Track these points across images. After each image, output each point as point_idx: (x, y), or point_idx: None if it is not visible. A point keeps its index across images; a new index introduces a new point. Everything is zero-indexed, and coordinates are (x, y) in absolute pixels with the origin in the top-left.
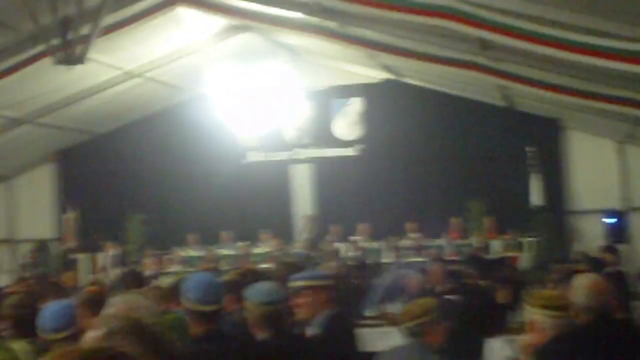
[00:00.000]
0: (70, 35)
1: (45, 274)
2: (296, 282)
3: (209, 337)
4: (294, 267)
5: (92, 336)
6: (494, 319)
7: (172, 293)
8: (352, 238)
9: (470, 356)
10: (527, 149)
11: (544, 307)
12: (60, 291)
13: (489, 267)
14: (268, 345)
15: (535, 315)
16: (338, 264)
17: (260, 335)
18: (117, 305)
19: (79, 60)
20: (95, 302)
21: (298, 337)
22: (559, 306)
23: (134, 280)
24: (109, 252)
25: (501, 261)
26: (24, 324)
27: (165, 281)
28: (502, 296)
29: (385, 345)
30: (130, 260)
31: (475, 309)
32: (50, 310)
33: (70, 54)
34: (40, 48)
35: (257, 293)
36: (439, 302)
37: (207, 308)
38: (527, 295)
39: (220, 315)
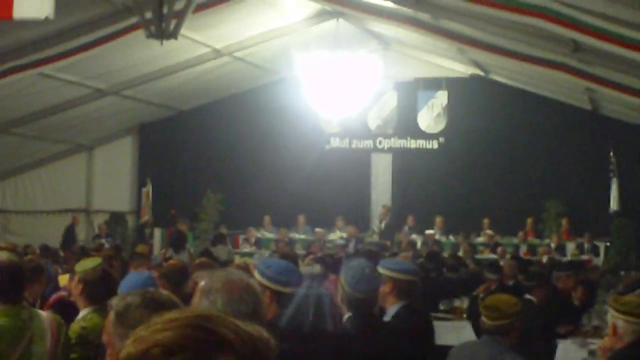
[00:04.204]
0: (164, 10)
1: (119, 246)
2: (385, 272)
3: (281, 317)
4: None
5: None
6: (569, 320)
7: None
8: (428, 231)
9: (542, 356)
10: (609, 153)
11: (630, 313)
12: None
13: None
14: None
15: (618, 321)
16: (413, 255)
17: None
18: (212, 278)
19: (171, 35)
20: (175, 277)
21: (377, 319)
22: None
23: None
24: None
25: (580, 263)
26: (94, 289)
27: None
28: (577, 298)
29: (455, 339)
30: (205, 237)
31: (551, 310)
32: (129, 280)
33: (163, 28)
34: (133, 20)
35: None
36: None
37: (283, 289)
38: (614, 300)
39: (292, 296)
